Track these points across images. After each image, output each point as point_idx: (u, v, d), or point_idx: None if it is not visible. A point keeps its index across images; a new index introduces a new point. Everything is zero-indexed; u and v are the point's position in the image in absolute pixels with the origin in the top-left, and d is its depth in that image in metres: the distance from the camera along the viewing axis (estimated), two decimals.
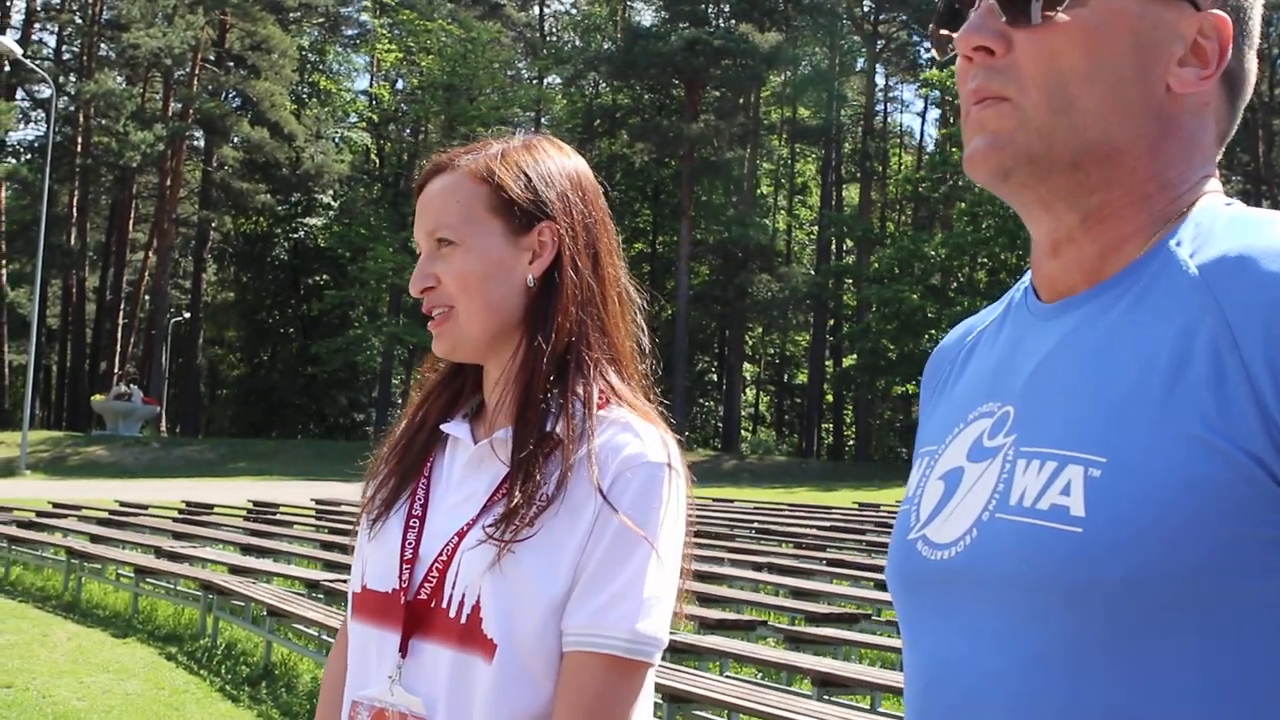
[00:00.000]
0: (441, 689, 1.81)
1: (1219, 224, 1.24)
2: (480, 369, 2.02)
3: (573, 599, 1.79)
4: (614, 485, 1.81)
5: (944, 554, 1.30)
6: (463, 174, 1.96)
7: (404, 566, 1.89)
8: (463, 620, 1.81)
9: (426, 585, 1.86)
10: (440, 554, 1.86)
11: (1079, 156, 1.27)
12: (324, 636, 10.46)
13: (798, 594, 13.30)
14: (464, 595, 1.81)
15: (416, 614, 1.85)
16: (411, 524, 1.93)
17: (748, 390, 77.79)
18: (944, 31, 1.38)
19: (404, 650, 1.85)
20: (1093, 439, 1.18)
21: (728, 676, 9.33)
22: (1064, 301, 1.31)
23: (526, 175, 1.96)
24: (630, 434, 1.86)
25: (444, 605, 1.83)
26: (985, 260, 54.66)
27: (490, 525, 1.82)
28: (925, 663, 1.33)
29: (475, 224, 1.93)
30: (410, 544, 1.91)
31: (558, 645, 1.81)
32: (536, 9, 78.78)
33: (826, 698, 8.42)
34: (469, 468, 1.93)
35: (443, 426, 2.00)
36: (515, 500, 1.81)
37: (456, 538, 1.86)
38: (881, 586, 13.74)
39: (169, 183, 61.43)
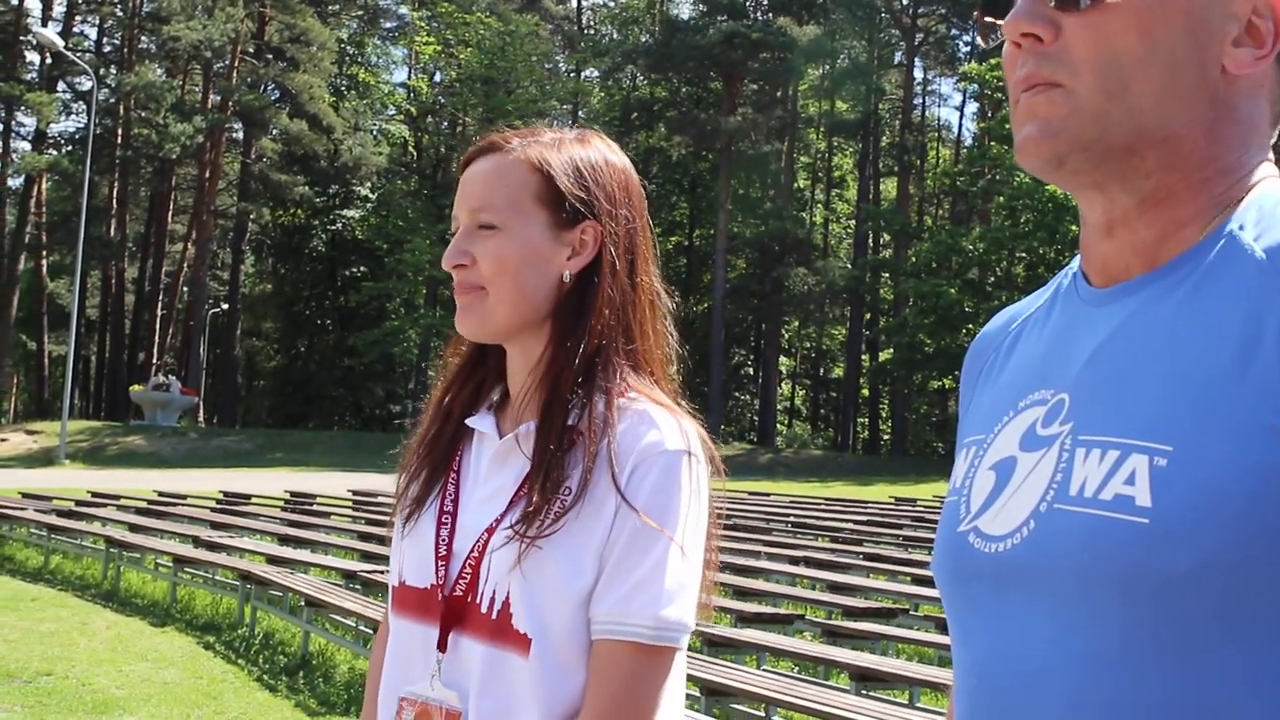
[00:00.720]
0: (474, 683, 1.82)
1: None
2: (503, 355, 2.01)
3: (598, 589, 1.80)
4: (632, 476, 1.81)
5: (999, 546, 1.26)
6: (515, 159, 1.94)
7: (439, 562, 1.90)
8: (494, 616, 1.82)
9: (461, 581, 1.86)
10: (472, 550, 1.87)
11: (1134, 141, 1.24)
12: (361, 627, 10.48)
13: (835, 588, 13.28)
14: (494, 591, 1.83)
15: (453, 609, 1.86)
16: (444, 519, 1.93)
17: (783, 384, 77.67)
18: (989, 19, 1.34)
19: (442, 645, 1.86)
20: (1157, 427, 1.15)
21: (765, 670, 9.32)
22: (1119, 286, 1.28)
23: (579, 171, 1.95)
24: (648, 424, 1.85)
25: (477, 601, 1.84)
26: (1023, 255, 54.40)
27: (515, 523, 1.82)
28: (978, 657, 1.29)
29: (521, 212, 1.92)
30: (444, 540, 1.91)
31: (589, 637, 1.82)
32: (574, 2, 78.81)
33: (865, 692, 8.39)
34: (495, 462, 1.93)
35: (468, 421, 1.99)
36: (537, 498, 1.82)
37: (486, 534, 1.86)
38: (919, 581, 13.70)
39: (208, 174, 61.74)
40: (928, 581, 13.82)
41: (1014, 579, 1.24)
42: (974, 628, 1.31)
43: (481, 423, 1.97)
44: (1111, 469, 1.17)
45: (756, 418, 69.87)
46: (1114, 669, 1.15)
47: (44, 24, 59.77)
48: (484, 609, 1.82)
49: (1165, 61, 1.24)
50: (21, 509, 19.81)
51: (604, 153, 2.00)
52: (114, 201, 63.83)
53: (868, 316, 67.17)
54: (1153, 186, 1.26)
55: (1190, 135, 1.24)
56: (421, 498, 1.98)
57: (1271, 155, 1.30)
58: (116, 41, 67.75)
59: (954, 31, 69.40)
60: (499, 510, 1.87)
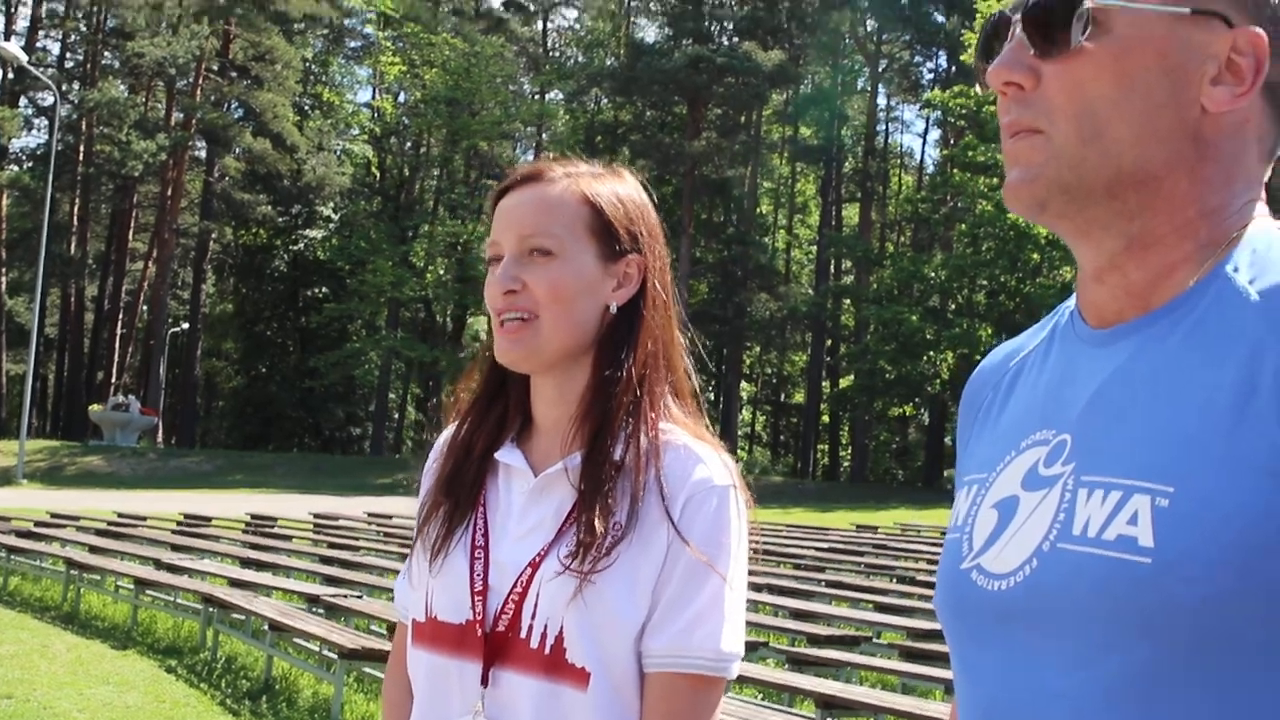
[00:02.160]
0: (526, 718, 1.84)
1: (1276, 249, 1.24)
2: (524, 388, 2.03)
3: (653, 622, 1.85)
4: (684, 512, 1.86)
5: (1002, 584, 1.29)
6: (567, 189, 1.97)
7: (475, 598, 1.91)
8: (546, 650, 1.84)
9: (504, 617, 1.88)
10: (515, 585, 1.88)
11: (1114, 185, 1.27)
12: (325, 651, 10.45)
13: (798, 615, 13.29)
14: (545, 626, 1.85)
15: (496, 645, 1.88)
16: (476, 555, 1.94)
17: (744, 410, 77.79)
18: (984, 64, 1.38)
19: (485, 680, 1.88)
20: (1158, 468, 1.17)
21: (730, 697, 9.32)
22: (1117, 328, 1.31)
23: (624, 205, 2.00)
24: (694, 458, 1.90)
25: (523, 636, 1.86)
26: (985, 282, 54.64)
27: (567, 556, 1.85)
28: (982, 694, 1.32)
29: (577, 240, 1.95)
30: (479, 575, 1.92)
31: (640, 668, 1.86)
32: (540, 24, 78.88)
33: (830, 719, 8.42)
34: (532, 496, 1.95)
35: (497, 455, 2.00)
36: (591, 531, 1.84)
37: (530, 569, 1.88)
38: (882, 609, 13.75)
39: (170, 193, 61.50)
40: (890, 609, 13.88)
41: (1017, 617, 1.26)
42: (977, 664, 1.33)
43: (510, 456, 1.99)
44: (1114, 509, 1.19)
45: None
46: (1116, 706, 1.17)
47: (6, 38, 59.48)
48: (534, 644, 1.84)
49: (1141, 104, 1.26)
50: None
51: (639, 190, 2.06)
52: (75, 219, 63.58)
53: (829, 343, 67.42)
54: (1137, 230, 1.28)
55: (1171, 176, 1.27)
56: (448, 534, 1.98)
57: (1263, 194, 1.32)
58: (80, 57, 67.56)
59: (917, 59, 69.85)
60: (541, 544, 1.89)
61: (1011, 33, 1.32)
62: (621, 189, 2.02)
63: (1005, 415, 1.43)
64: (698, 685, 1.85)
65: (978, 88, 1.42)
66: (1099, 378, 1.29)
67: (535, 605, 1.85)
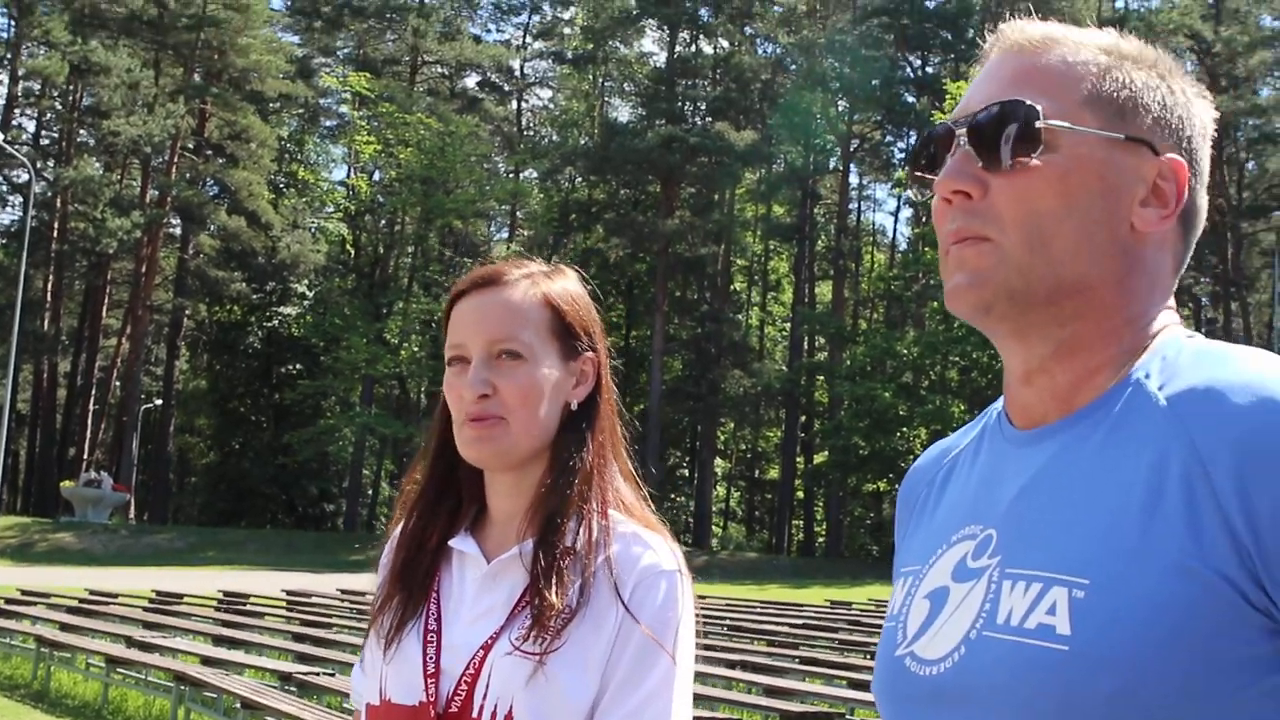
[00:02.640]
0: None
1: (1184, 356, 1.32)
2: (476, 479, 2.10)
3: (604, 704, 1.90)
4: (634, 595, 1.92)
5: (933, 669, 1.37)
6: (527, 293, 2.04)
7: (428, 680, 1.95)
8: None
9: (456, 698, 1.93)
10: (467, 667, 1.94)
11: (1054, 292, 1.35)
12: None
13: (771, 692, 13.27)
14: (496, 705, 1.89)
15: None
16: (429, 639, 1.99)
17: (719, 486, 77.72)
18: (919, 174, 1.47)
19: None
20: (1076, 562, 1.24)
21: None
22: (1040, 430, 1.39)
23: (577, 305, 2.08)
24: (641, 544, 1.97)
25: (474, 715, 1.90)
26: (957, 359, 54.90)
27: (518, 638, 1.90)
28: None
29: (543, 344, 2.02)
30: (431, 659, 1.97)
31: None
32: (515, 104, 79.50)
33: None
34: (485, 582, 2.01)
35: (451, 543, 2.07)
36: (541, 614, 1.90)
37: (482, 650, 1.93)
38: (856, 685, 13.73)
39: (144, 269, 61.52)
40: (864, 685, 13.87)
41: (946, 700, 1.34)
42: None
43: (464, 544, 2.05)
44: (1035, 600, 1.26)
45: (692, 520, 69.78)
46: None
47: None
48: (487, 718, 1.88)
49: (1082, 219, 1.34)
50: None
51: (582, 286, 2.13)
52: (49, 294, 63.49)
53: (803, 419, 67.51)
54: (1068, 335, 1.36)
55: (1103, 287, 1.36)
56: (401, 623, 2.03)
57: (1173, 302, 1.43)
58: (55, 135, 67.75)
59: (889, 138, 70.47)
60: (493, 628, 1.94)
61: (956, 144, 1.40)
62: (572, 288, 2.10)
63: (939, 511, 1.52)
64: None
65: (911, 193, 1.52)
66: (1024, 477, 1.38)
67: (487, 686, 1.90)
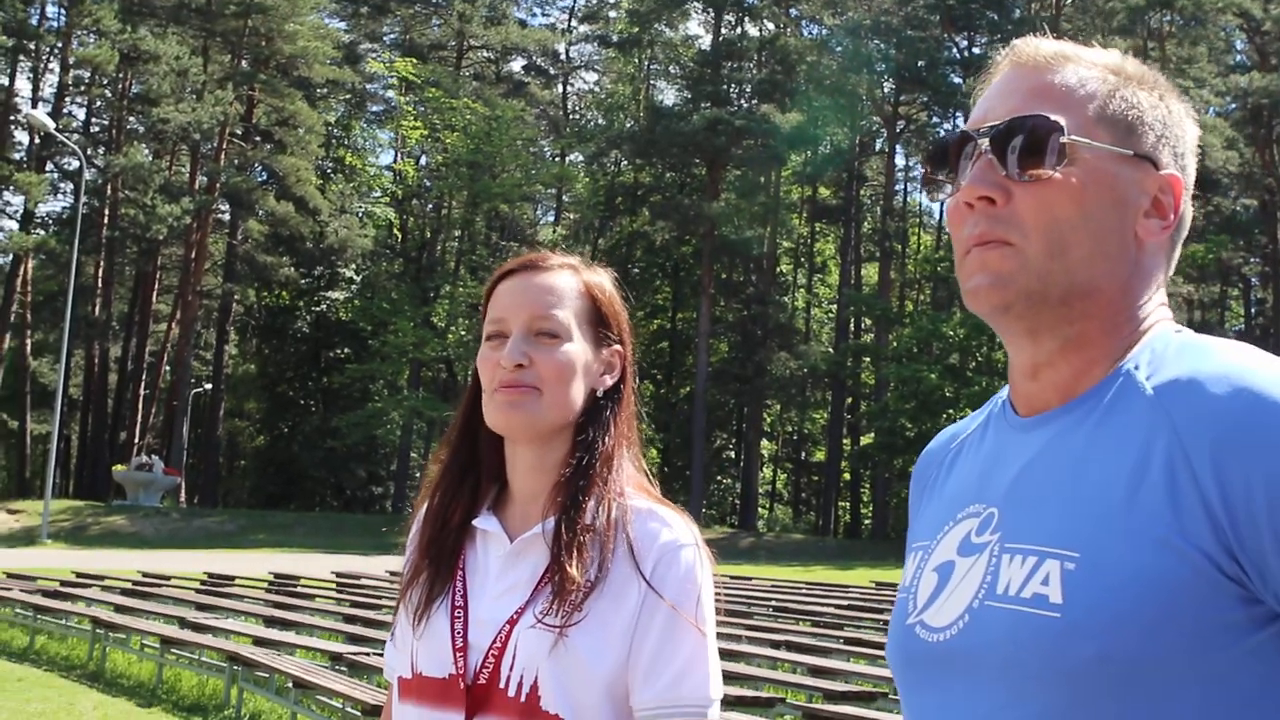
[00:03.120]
0: None
1: (1171, 350, 1.46)
2: (498, 458, 2.24)
3: (642, 677, 2.04)
4: (656, 570, 2.06)
5: (940, 636, 1.51)
6: (568, 280, 2.20)
7: (457, 654, 2.10)
8: (522, 699, 2.03)
9: (485, 670, 2.07)
10: (494, 641, 2.07)
11: (1068, 294, 1.49)
12: (348, 709, 10.59)
13: (815, 672, 13.38)
14: (522, 677, 2.04)
15: (477, 696, 2.06)
16: (457, 615, 2.13)
17: (765, 468, 77.71)
18: (938, 176, 1.60)
19: None
20: (1068, 537, 1.38)
21: None
22: (1040, 416, 1.53)
23: (612, 300, 2.24)
24: (659, 521, 2.11)
25: (502, 686, 2.05)
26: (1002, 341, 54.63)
27: (542, 612, 2.05)
28: None
29: (579, 328, 2.18)
30: (459, 633, 2.11)
31: (613, 713, 2.05)
32: (560, 88, 79.58)
33: None
34: (509, 559, 2.15)
35: (475, 522, 2.21)
36: (564, 589, 2.04)
37: (508, 625, 2.07)
38: None
39: (194, 255, 61.95)
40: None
41: (953, 664, 1.48)
42: (921, 707, 1.55)
43: (487, 523, 2.19)
44: (1031, 572, 1.40)
45: (738, 501, 69.90)
46: None
47: (34, 105, 60.15)
48: (511, 693, 2.03)
49: (1096, 228, 1.49)
50: (6, 589, 19.84)
51: (615, 287, 2.28)
52: (99, 281, 63.95)
53: (849, 401, 67.40)
54: (1075, 333, 1.50)
55: (1109, 289, 1.50)
56: (429, 599, 2.17)
57: (1164, 299, 1.56)
58: (105, 122, 68.16)
59: (934, 119, 70.16)
60: (518, 603, 2.09)
61: (978, 152, 1.52)
62: (608, 284, 2.26)
63: (946, 490, 1.67)
64: None
65: (927, 195, 1.64)
66: (1023, 459, 1.52)
67: (514, 658, 2.05)
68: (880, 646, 15.57)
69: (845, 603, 23.77)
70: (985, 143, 1.51)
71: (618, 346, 2.23)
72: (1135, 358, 1.48)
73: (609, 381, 2.21)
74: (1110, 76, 1.53)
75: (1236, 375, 1.35)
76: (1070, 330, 1.50)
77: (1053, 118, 1.49)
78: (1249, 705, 1.31)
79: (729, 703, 10.68)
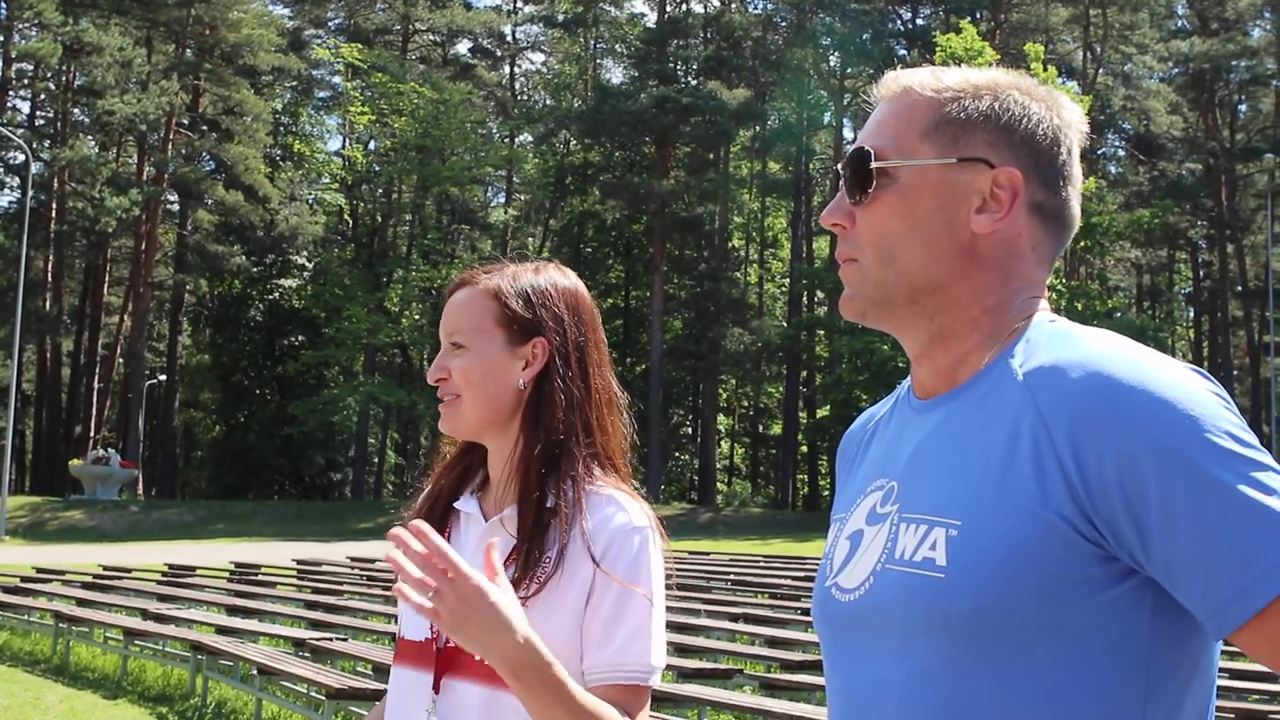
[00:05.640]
0: (473, 718, 2.24)
1: (1043, 338, 1.64)
2: (482, 449, 2.45)
3: (595, 644, 2.24)
4: (608, 553, 2.25)
5: (850, 597, 1.70)
6: (479, 290, 2.41)
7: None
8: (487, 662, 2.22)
9: None
10: None
11: (911, 295, 1.69)
12: (313, 693, 10.74)
13: (773, 643, 13.59)
14: None
15: (446, 658, 2.28)
16: None
17: (722, 443, 77.96)
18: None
19: (436, 688, 2.29)
20: (953, 508, 1.57)
21: None
22: (933, 400, 1.73)
23: (528, 296, 2.40)
24: (615, 506, 2.30)
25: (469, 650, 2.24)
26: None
27: None
28: (840, 684, 1.74)
29: (482, 333, 2.37)
30: None
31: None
32: (507, 69, 79.34)
33: None
34: (482, 539, 2.33)
35: (456, 504, 2.43)
36: (523, 568, 2.25)
37: None
38: None
39: (144, 247, 61.62)
40: None
41: (861, 621, 1.68)
42: (837, 661, 1.75)
43: (467, 505, 2.41)
44: (922, 538, 1.59)
45: (696, 477, 70.11)
46: (929, 688, 1.56)
47: None
48: (478, 657, 2.19)
49: (922, 234, 1.68)
50: None
51: (553, 278, 2.44)
52: (49, 275, 63.56)
53: (804, 374, 67.66)
54: (937, 327, 1.70)
55: (954, 285, 1.68)
56: None
57: (1044, 291, 1.73)
58: (50, 115, 67.67)
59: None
60: None
61: (841, 183, 1.75)
62: (532, 280, 2.42)
63: (862, 466, 1.86)
64: (633, 693, 2.23)
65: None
66: (918, 438, 1.72)
67: None
68: None
69: (802, 575, 24.00)
70: (842, 175, 1.74)
71: (538, 338, 2.38)
72: (1015, 349, 1.65)
73: (531, 374, 2.37)
74: (946, 94, 1.71)
75: (1093, 361, 1.54)
76: (932, 325, 1.70)
77: (867, 147, 1.71)
78: (1104, 655, 1.51)
79: (689, 675, 10.90)
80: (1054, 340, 1.62)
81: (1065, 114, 1.73)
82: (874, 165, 1.70)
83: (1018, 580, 1.50)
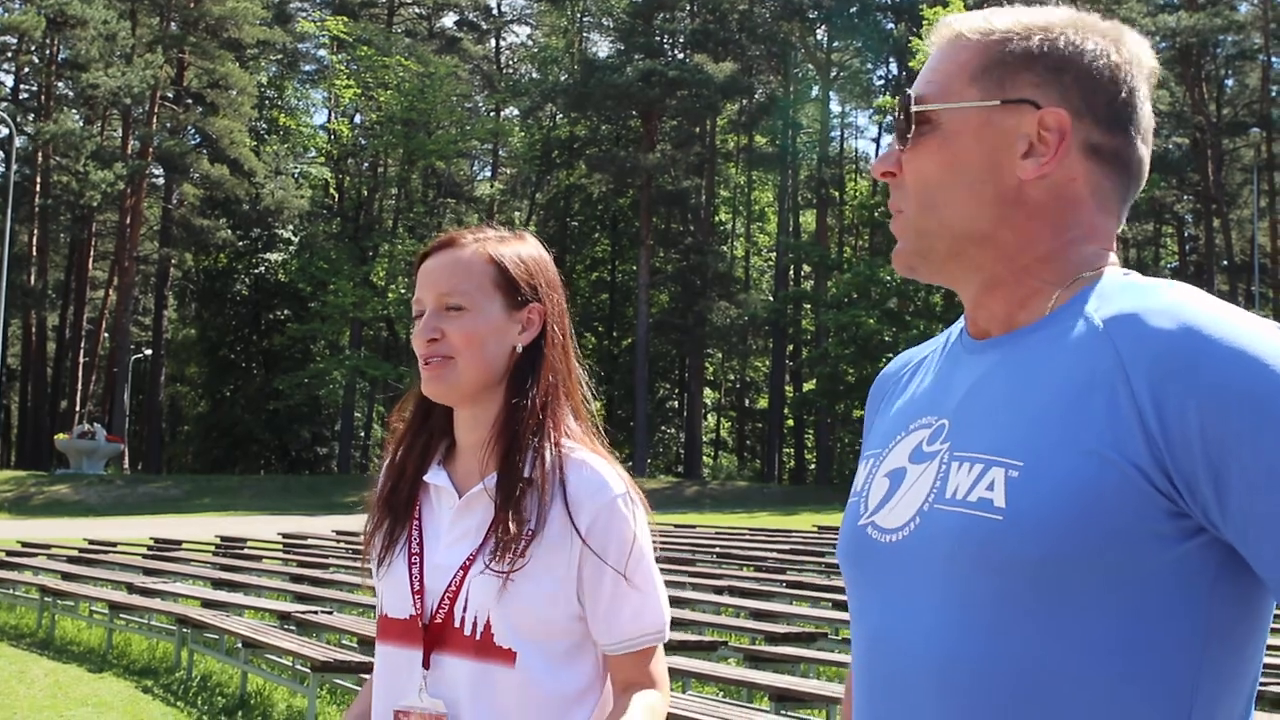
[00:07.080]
0: (464, 693, 2.26)
1: (1116, 289, 1.58)
2: (446, 417, 2.44)
3: (604, 622, 2.29)
4: (594, 526, 2.27)
5: (892, 537, 1.65)
6: (474, 253, 2.39)
7: (415, 597, 2.32)
8: (477, 636, 2.25)
9: (441, 611, 2.29)
10: (449, 585, 2.29)
11: (955, 244, 1.65)
12: (298, 666, 10.75)
13: (757, 615, 13.62)
14: (475, 617, 2.26)
15: (434, 634, 2.29)
16: (414, 561, 2.35)
17: (709, 416, 77.96)
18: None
19: (426, 664, 2.29)
20: (1012, 447, 1.50)
21: (690, 695, 9.66)
22: (991, 340, 1.67)
23: (524, 263, 2.41)
24: (591, 470, 2.31)
25: (457, 625, 2.27)
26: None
27: (490, 558, 2.26)
28: (870, 625, 1.68)
29: (484, 295, 2.36)
30: (416, 578, 2.33)
31: (563, 644, 2.29)
32: (493, 42, 79.13)
33: (784, 713, 8.77)
34: (459, 512, 2.35)
35: (426, 477, 2.42)
36: (507, 537, 2.25)
37: (461, 571, 2.29)
38: (840, 606, 14.07)
39: (129, 221, 61.40)
40: (847, 606, 14.21)
41: (903, 563, 1.62)
42: (868, 603, 1.69)
43: (437, 477, 2.40)
44: (977, 478, 1.52)
45: (682, 450, 70.15)
46: (964, 630, 1.51)
47: None
48: (466, 632, 2.25)
49: (964, 180, 1.63)
50: None
51: (538, 248, 2.47)
52: (34, 249, 63.40)
53: (790, 348, 67.71)
54: (986, 276, 1.65)
55: (999, 233, 1.63)
56: (389, 545, 2.40)
57: (1113, 244, 1.68)
58: (34, 89, 67.40)
59: (868, 65, 70.28)
60: (470, 550, 2.30)
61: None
62: (523, 249, 2.43)
63: (898, 404, 1.81)
64: (654, 653, 2.33)
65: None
66: (973, 376, 1.66)
67: (466, 600, 2.26)
68: (822, 589, 15.87)
69: (788, 547, 24.06)
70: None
71: (535, 304, 2.39)
72: (1090, 299, 1.59)
73: (528, 338, 2.38)
74: (994, 36, 1.66)
75: (1178, 311, 1.49)
76: (981, 275, 1.65)
77: (909, 92, 1.67)
78: (1161, 612, 1.46)
79: (673, 648, 10.91)
80: (1130, 290, 1.57)
81: (1127, 50, 1.66)
82: (913, 110, 1.66)
83: (1083, 527, 1.44)
